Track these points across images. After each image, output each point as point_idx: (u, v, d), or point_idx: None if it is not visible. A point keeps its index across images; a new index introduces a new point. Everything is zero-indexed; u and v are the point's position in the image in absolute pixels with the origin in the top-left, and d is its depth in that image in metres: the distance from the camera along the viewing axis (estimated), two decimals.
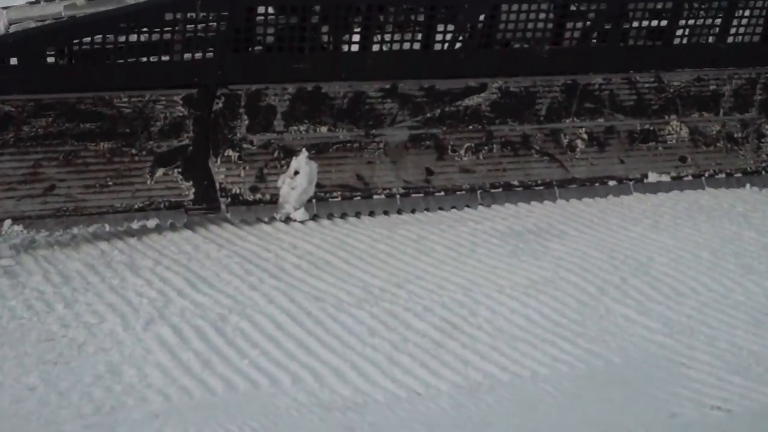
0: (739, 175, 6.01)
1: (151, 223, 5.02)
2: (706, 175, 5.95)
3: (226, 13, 4.91)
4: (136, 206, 5.01)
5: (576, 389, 3.64)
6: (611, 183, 5.76)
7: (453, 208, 5.45)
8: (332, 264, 4.70)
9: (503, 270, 4.66)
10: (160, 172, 5.05)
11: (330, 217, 5.26)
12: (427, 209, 5.42)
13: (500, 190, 5.58)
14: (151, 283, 4.44)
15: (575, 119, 5.69)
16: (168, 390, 3.58)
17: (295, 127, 5.23)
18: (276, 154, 5.23)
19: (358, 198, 5.35)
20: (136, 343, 3.90)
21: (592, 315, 4.22)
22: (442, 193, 5.49)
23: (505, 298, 4.34)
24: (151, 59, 4.97)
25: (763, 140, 6.09)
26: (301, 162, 5.24)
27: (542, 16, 5.43)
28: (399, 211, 5.38)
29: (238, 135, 5.15)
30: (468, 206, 5.48)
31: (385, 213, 5.36)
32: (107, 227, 4.95)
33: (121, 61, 4.91)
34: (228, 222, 5.15)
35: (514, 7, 5.35)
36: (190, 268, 4.62)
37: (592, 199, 5.66)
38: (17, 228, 4.76)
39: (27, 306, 4.19)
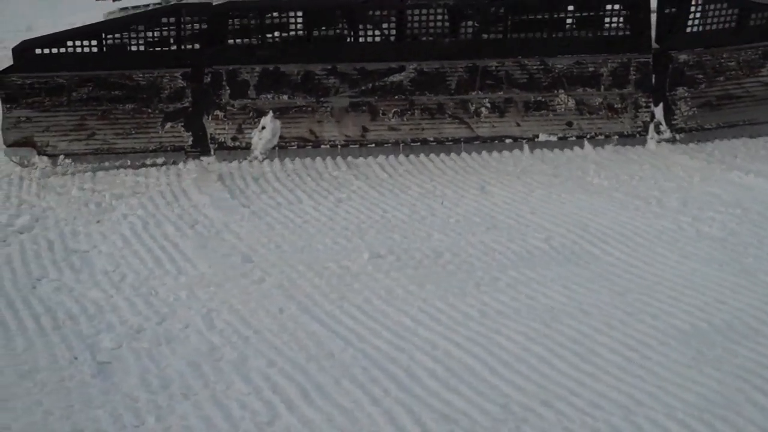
0: (616, 137, 7.83)
1: (159, 160, 7.35)
2: (588, 137, 7.79)
3: (205, 18, 7.26)
4: (150, 148, 7.36)
5: None
6: (508, 141, 7.70)
7: (381, 155, 7.53)
8: (473, 371, 4.06)
9: (675, 385, 3.88)
10: (168, 125, 7.38)
11: (475, 306, 4.74)
12: (361, 156, 7.52)
13: (419, 144, 7.62)
14: (260, 392, 3.94)
15: (479, 92, 7.67)
16: None
17: (264, 95, 7.47)
18: (250, 114, 7.47)
19: (310, 147, 7.53)
20: None
21: None
22: (373, 145, 7.58)
23: (673, 425, 3.60)
24: (159, 49, 7.35)
25: (639, 110, 7.87)
26: (267, 120, 7.47)
27: (440, 17, 7.51)
28: (339, 157, 7.50)
29: (223, 100, 7.43)
30: (392, 155, 7.55)
31: (331, 157, 7.50)
32: (128, 162, 7.29)
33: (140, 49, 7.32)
34: (363, 313, 4.63)
35: (416, 11, 7.46)
36: (308, 371, 4.09)
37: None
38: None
39: (114, 417, 3.74)
